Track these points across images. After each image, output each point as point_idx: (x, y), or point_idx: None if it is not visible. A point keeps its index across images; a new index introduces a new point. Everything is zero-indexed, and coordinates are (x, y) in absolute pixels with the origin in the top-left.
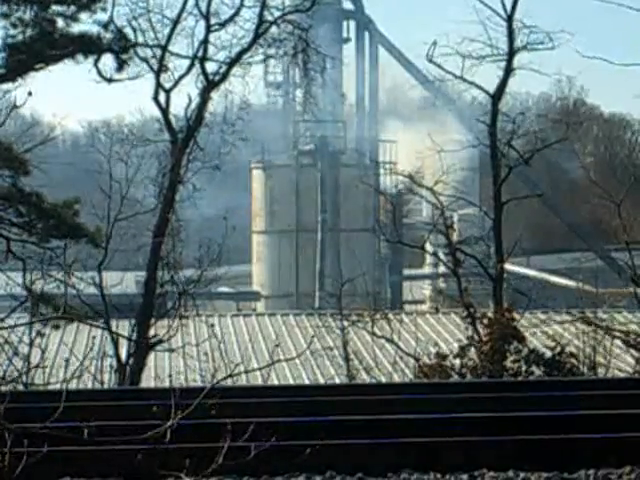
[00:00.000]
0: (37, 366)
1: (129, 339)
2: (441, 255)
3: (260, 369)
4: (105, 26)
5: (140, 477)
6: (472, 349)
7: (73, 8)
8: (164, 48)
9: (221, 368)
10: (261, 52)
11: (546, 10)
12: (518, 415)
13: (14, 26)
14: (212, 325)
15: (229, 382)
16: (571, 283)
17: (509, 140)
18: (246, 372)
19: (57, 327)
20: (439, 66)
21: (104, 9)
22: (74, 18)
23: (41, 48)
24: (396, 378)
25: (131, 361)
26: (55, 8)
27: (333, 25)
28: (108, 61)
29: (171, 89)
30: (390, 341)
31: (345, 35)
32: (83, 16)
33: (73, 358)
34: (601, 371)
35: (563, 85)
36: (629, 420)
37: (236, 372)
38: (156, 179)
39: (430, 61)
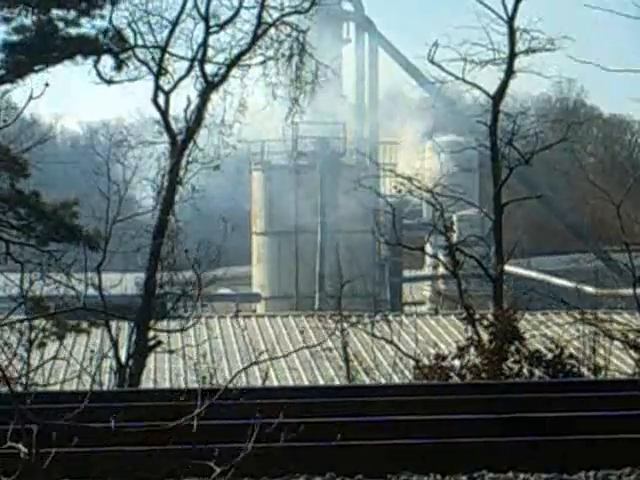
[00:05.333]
0: (37, 367)
1: (129, 338)
2: (441, 256)
3: (247, 367)
4: (105, 31)
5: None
6: (472, 350)
7: (73, 12)
8: (163, 50)
9: (221, 369)
10: (259, 53)
11: (547, 12)
12: None
13: (16, 30)
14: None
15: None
16: (571, 284)
17: (510, 140)
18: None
19: (61, 337)
20: (440, 67)
21: (102, 16)
22: (74, 22)
23: (41, 49)
24: (396, 379)
25: (131, 362)
26: (56, 12)
27: (333, 26)
28: (107, 63)
29: (170, 91)
30: (390, 342)
31: (345, 36)
32: (83, 20)
33: (73, 359)
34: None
35: (563, 86)
36: None
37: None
38: (155, 180)
39: (431, 62)
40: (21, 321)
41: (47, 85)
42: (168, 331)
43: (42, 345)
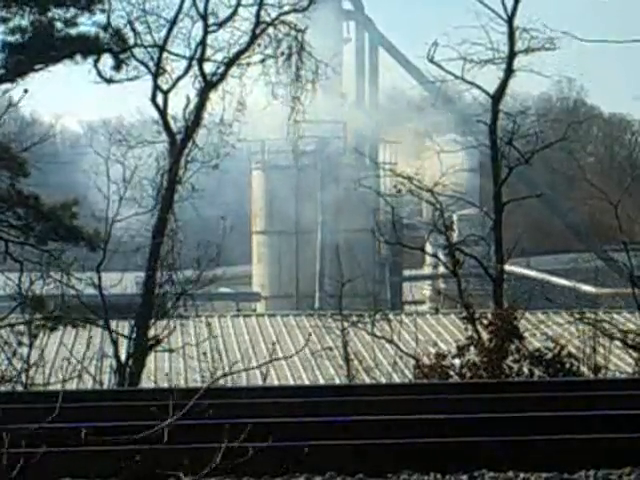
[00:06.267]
0: (36, 366)
1: (129, 337)
2: (441, 255)
3: (259, 367)
4: (104, 28)
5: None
6: (472, 349)
7: (72, 11)
8: (161, 49)
9: (221, 368)
10: (258, 52)
11: (547, 10)
12: None
13: (13, 31)
14: (210, 325)
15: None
16: (571, 284)
17: (510, 139)
18: (245, 370)
19: (53, 329)
20: (440, 66)
21: (103, 10)
22: (73, 22)
23: (40, 49)
24: (396, 379)
25: (130, 362)
26: (54, 11)
27: (333, 25)
28: (107, 62)
29: (169, 90)
30: (390, 342)
31: (345, 35)
32: (81, 18)
33: (73, 359)
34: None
35: (563, 85)
36: None
37: (234, 370)
38: (154, 180)
39: (431, 61)
40: (23, 323)
41: (26, 91)
42: (168, 350)
43: (34, 336)
